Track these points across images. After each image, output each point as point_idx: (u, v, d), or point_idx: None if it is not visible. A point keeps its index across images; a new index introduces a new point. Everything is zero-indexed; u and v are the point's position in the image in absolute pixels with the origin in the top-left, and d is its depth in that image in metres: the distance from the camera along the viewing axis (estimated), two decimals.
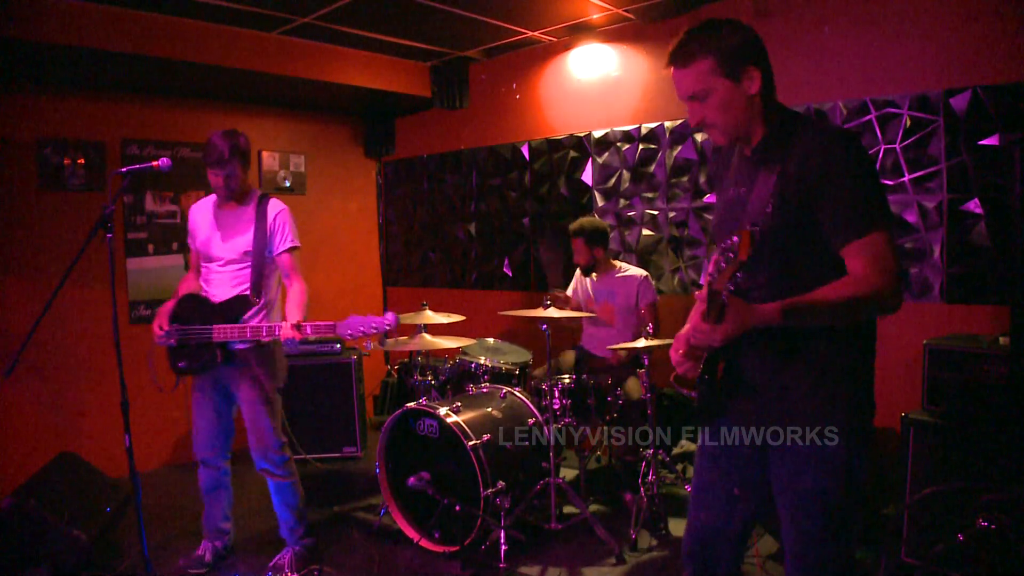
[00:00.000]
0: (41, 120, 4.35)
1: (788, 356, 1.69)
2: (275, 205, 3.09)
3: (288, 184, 5.58)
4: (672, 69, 1.75)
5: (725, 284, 1.55)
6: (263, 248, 3.04)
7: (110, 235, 2.57)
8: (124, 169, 2.78)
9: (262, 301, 3.05)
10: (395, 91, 5.17)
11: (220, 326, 2.95)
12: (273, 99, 5.38)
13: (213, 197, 3.17)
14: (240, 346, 3.02)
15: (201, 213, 3.18)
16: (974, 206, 3.25)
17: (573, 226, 4.09)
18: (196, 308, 3.05)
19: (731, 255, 1.56)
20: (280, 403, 3.16)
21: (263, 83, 4.74)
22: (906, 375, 3.10)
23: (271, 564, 3.16)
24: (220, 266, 3.07)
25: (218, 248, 3.07)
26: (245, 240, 3.04)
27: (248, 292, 3.01)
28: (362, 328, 2.64)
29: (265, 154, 5.44)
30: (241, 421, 3.13)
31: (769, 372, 1.73)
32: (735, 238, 1.55)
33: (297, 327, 2.79)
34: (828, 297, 1.58)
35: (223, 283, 3.06)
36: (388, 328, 2.57)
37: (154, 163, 2.81)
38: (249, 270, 3.03)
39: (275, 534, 3.32)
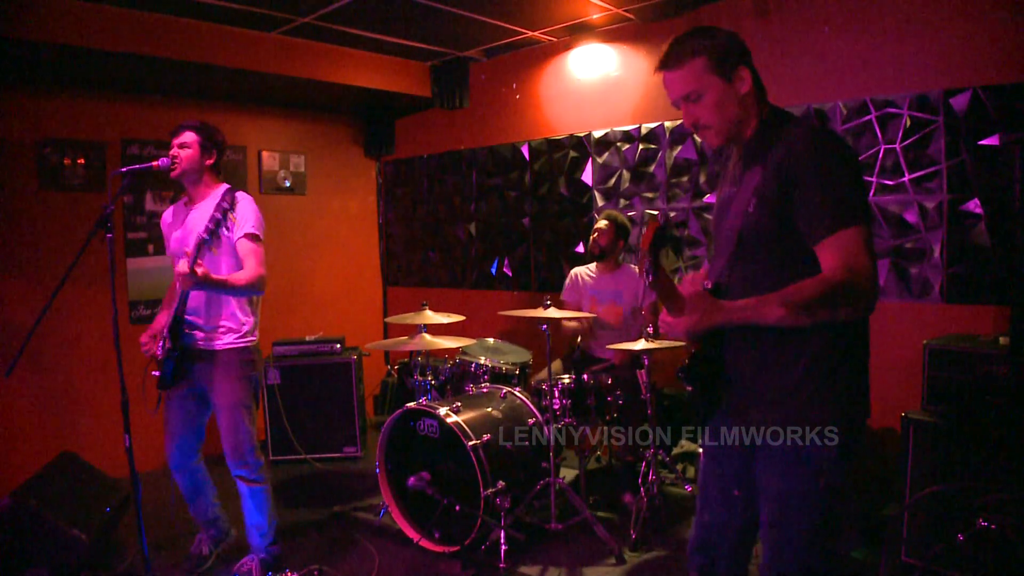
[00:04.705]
0: (41, 120, 4.34)
1: (769, 354, 1.69)
2: (239, 196, 2.99)
3: (288, 184, 5.58)
4: (663, 73, 1.78)
5: (643, 275, 1.62)
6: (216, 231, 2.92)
7: (110, 235, 2.57)
8: (124, 169, 2.79)
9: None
10: (395, 91, 5.17)
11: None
12: (273, 99, 5.38)
13: (181, 201, 3.14)
14: (220, 346, 2.95)
15: (170, 217, 3.15)
16: (974, 206, 3.25)
17: (603, 213, 4.19)
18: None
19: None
20: (256, 407, 3.10)
21: (263, 83, 4.74)
22: (906, 375, 3.09)
23: (234, 570, 3.06)
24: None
25: (183, 244, 2.99)
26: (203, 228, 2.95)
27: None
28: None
29: (265, 154, 5.44)
30: (212, 426, 3.05)
31: (752, 371, 1.72)
32: (644, 228, 1.62)
33: (193, 265, 2.66)
34: (793, 295, 1.54)
35: None
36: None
37: (154, 163, 2.82)
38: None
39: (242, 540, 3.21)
